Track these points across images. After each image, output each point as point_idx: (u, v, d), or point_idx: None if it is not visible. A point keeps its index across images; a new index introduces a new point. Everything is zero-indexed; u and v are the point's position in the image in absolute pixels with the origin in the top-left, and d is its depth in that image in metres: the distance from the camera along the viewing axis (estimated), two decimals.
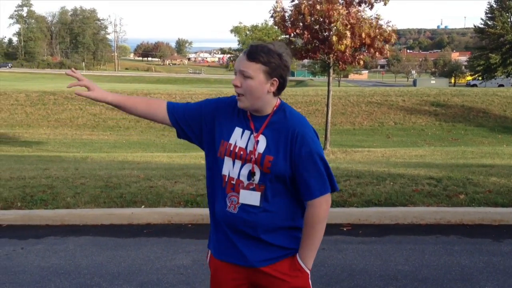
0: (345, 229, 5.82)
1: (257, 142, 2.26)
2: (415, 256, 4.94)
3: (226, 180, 2.29)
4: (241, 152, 2.26)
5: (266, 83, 2.22)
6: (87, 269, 4.72)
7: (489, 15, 63.86)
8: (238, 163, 2.27)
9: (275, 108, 2.30)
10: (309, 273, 2.34)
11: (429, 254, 4.99)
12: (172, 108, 2.43)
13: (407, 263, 4.76)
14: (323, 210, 2.29)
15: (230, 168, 2.29)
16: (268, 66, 2.20)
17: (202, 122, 2.38)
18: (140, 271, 4.66)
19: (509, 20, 63.25)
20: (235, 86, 2.23)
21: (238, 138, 2.29)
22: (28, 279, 4.54)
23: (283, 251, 2.30)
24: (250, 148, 2.26)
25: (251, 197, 2.25)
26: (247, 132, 2.29)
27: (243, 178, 2.26)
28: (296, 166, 2.24)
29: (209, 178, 2.41)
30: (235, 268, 2.32)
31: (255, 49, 2.21)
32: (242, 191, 2.26)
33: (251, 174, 2.25)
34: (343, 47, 13.66)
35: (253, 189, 2.25)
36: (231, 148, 2.28)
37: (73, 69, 2.42)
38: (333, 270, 4.63)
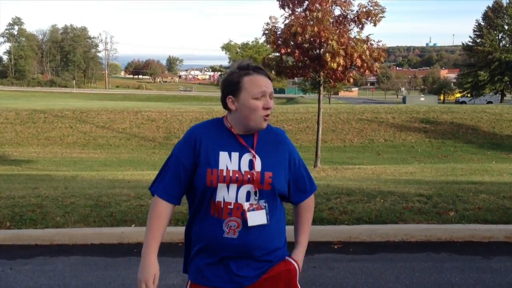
0: (335, 246, 5.82)
1: (251, 161, 2.26)
2: (405, 273, 4.95)
3: (222, 206, 2.24)
4: (236, 175, 2.24)
5: None
6: None
7: (477, 33, 64.78)
8: (233, 186, 2.24)
9: None
10: (297, 270, 2.40)
11: (419, 271, 5.00)
12: (167, 194, 2.35)
13: (398, 281, 4.76)
14: (313, 202, 2.55)
15: (225, 194, 2.24)
16: None
17: (189, 169, 2.33)
18: None
19: (497, 38, 64.14)
20: (269, 109, 2.27)
21: (228, 162, 2.26)
22: None
23: (271, 262, 2.34)
24: (244, 168, 2.25)
25: (257, 217, 2.25)
26: (234, 154, 2.27)
27: (242, 200, 2.24)
28: (293, 175, 2.39)
29: (194, 210, 2.37)
30: None
31: (264, 69, 2.33)
32: (249, 213, 2.24)
33: (250, 195, 2.25)
34: (335, 65, 13.76)
35: (254, 210, 2.25)
36: (224, 174, 2.23)
37: None
38: None
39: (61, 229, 6.27)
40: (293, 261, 2.38)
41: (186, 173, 2.30)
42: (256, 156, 2.27)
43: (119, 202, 7.34)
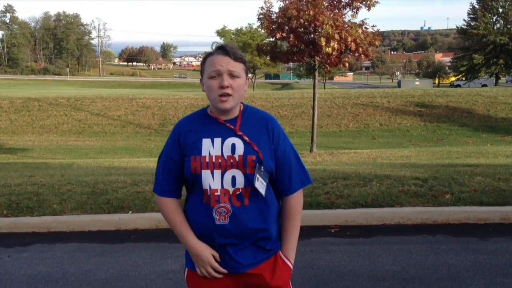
0: (332, 230, 5.84)
1: (234, 145, 2.23)
2: (402, 256, 4.98)
3: (209, 193, 2.22)
4: (219, 160, 2.22)
5: (245, 82, 2.30)
6: (75, 276, 4.70)
7: (471, 16, 64.57)
8: (217, 172, 2.22)
9: (241, 108, 2.34)
10: (291, 268, 2.37)
11: (416, 254, 5.03)
12: (165, 190, 2.35)
13: (395, 263, 4.79)
14: (301, 201, 2.42)
15: (210, 181, 2.22)
16: (246, 66, 2.31)
17: (178, 161, 2.32)
18: (128, 277, 4.64)
19: (491, 20, 63.97)
20: (225, 87, 2.20)
21: (210, 148, 2.24)
22: (15, 287, 4.50)
23: (268, 252, 2.33)
24: (227, 153, 2.23)
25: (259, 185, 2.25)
26: (217, 140, 2.25)
27: (227, 185, 2.22)
28: (278, 162, 2.31)
29: (189, 198, 2.37)
30: (222, 279, 2.29)
31: (234, 49, 2.26)
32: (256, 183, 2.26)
33: (236, 180, 2.22)
34: (330, 49, 13.71)
35: (241, 194, 2.23)
36: (207, 160, 2.22)
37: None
38: (321, 271, 4.65)
39: (58, 217, 6.27)
40: (288, 262, 2.36)
41: (176, 166, 2.31)
42: (236, 140, 2.24)
43: (116, 189, 7.34)
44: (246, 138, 2.25)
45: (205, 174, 2.22)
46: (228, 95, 2.21)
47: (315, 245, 5.35)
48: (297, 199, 2.38)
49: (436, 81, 76.97)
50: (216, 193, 2.22)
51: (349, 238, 5.57)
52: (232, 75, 2.22)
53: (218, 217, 2.23)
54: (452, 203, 6.30)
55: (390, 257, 4.95)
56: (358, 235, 5.66)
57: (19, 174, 10.01)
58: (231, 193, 2.23)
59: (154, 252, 5.27)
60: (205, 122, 2.31)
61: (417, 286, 4.30)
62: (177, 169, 2.31)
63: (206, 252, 2.26)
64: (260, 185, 2.23)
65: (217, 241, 2.26)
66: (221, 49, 2.25)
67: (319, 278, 4.52)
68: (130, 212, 6.36)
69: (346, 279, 4.47)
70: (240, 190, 2.23)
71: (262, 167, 2.23)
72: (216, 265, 2.25)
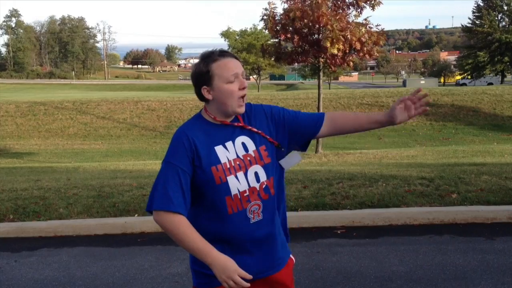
0: (339, 231, 5.82)
1: (244, 143, 2.25)
2: (409, 256, 4.96)
3: (239, 197, 2.20)
4: (238, 162, 2.22)
5: None
6: (82, 280, 4.70)
7: (476, 14, 64.34)
8: (240, 174, 2.21)
9: None
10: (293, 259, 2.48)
11: (423, 254, 5.01)
12: (180, 206, 2.13)
13: (402, 264, 4.77)
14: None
15: (237, 185, 2.20)
16: None
17: (189, 173, 2.20)
18: (135, 281, 4.64)
19: (496, 18, 63.76)
20: (246, 87, 2.23)
21: (226, 153, 2.22)
22: None
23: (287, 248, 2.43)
24: (241, 153, 2.23)
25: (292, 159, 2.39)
26: (228, 144, 2.23)
27: (253, 183, 2.23)
28: (294, 118, 2.35)
29: (203, 211, 2.26)
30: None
31: (229, 51, 2.31)
32: (282, 160, 2.36)
33: (259, 175, 2.25)
34: (335, 50, 13.69)
35: (267, 186, 2.27)
36: (228, 166, 2.20)
37: None
38: (328, 273, 4.63)
39: (65, 221, 6.29)
40: (291, 256, 2.45)
41: (187, 178, 2.17)
42: (244, 138, 2.26)
43: (122, 192, 7.35)
44: (254, 129, 2.27)
45: (231, 179, 2.20)
46: (245, 95, 2.23)
47: (322, 246, 5.34)
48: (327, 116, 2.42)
49: (442, 80, 76.80)
50: (245, 194, 2.22)
51: (355, 239, 5.55)
52: (242, 76, 2.25)
53: (252, 216, 2.23)
54: (459, 203, 6.27)
55: (397, 258, 4.93)
56: (365, 236, 5.65)
57: (25, 178, 10.05)
58: (258, 189, 2.24)
59: (160, 255, 5.27)
60: (207, 130, 2.25)
61: (424, 286, 4.28)
62: (188, 182, 2.18)
63: (231, 261, 2.10)
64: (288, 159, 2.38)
65: (253, 244, 2.25)
66: (227, 53, 2.26)
67: (325, 279, 4.51)
68: (136, 215, 6.36)
69: (353, 281, 4.45)
70: (266, 183, 2.26)
71: (282, 148, 2.33)
72: (244, 272, 2.08)
